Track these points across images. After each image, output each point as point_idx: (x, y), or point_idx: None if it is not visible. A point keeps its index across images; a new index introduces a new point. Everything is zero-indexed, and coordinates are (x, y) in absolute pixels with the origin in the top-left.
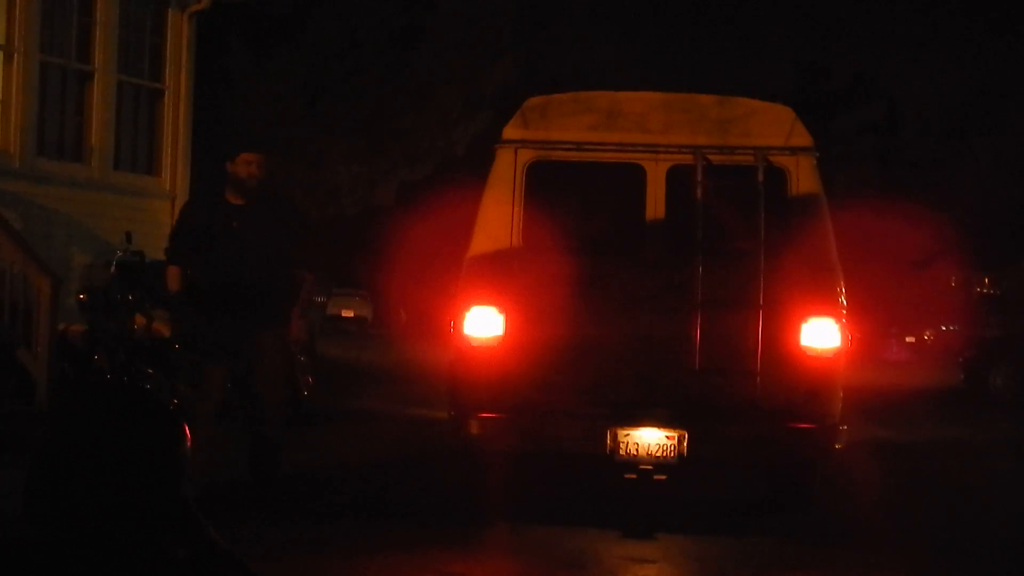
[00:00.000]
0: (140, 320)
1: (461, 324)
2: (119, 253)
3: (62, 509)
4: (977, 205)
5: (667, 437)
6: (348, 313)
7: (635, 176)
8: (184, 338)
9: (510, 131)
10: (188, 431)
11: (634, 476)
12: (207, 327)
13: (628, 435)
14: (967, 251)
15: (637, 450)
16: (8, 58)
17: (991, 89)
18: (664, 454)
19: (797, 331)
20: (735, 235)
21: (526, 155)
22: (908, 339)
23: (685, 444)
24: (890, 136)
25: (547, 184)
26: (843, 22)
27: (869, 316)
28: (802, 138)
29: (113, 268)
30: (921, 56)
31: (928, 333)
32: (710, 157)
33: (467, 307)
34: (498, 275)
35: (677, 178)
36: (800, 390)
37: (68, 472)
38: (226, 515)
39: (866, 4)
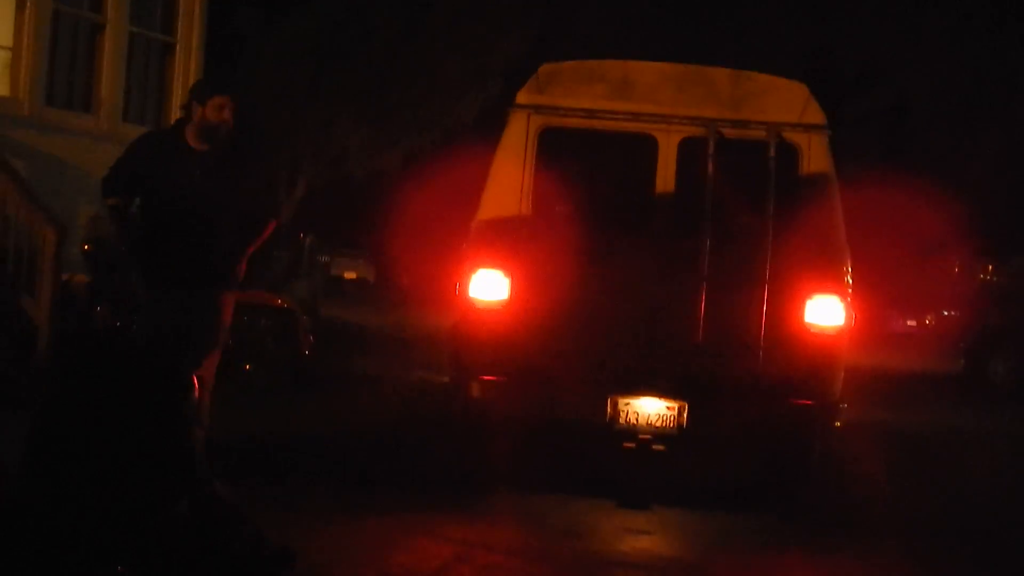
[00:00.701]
0: None
1: (467, 286)
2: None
3: (65, 461)
4: (984, 192)
5: (667, 407)
6: (351, 275)
7: (646, 146)
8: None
9: (524, 96)
10: (197, 384)
11: (633, 445)
12: (153, 286)
13: (628, 404)
14: (972, 238)
15: (637, 419)
16: (20, 6)
17: (1001, 77)
18: (664, 424)
19: (801, 307)
20: (744, 210)
21: (538, 120)
22: (909, 322)
23: (685, 415)
24: (898, 122)
25: (558, 151)
26: (853, 7)
27: (872, 296)
28: (816, 115)
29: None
30: (931, 42)
31: (929, 317)
32: (722, 131)
33: (473, 269)
34: (506, 239)
35: (688, 150)
36: (802, 366)
37: (72, 424)
38: (223, 475)
39: None
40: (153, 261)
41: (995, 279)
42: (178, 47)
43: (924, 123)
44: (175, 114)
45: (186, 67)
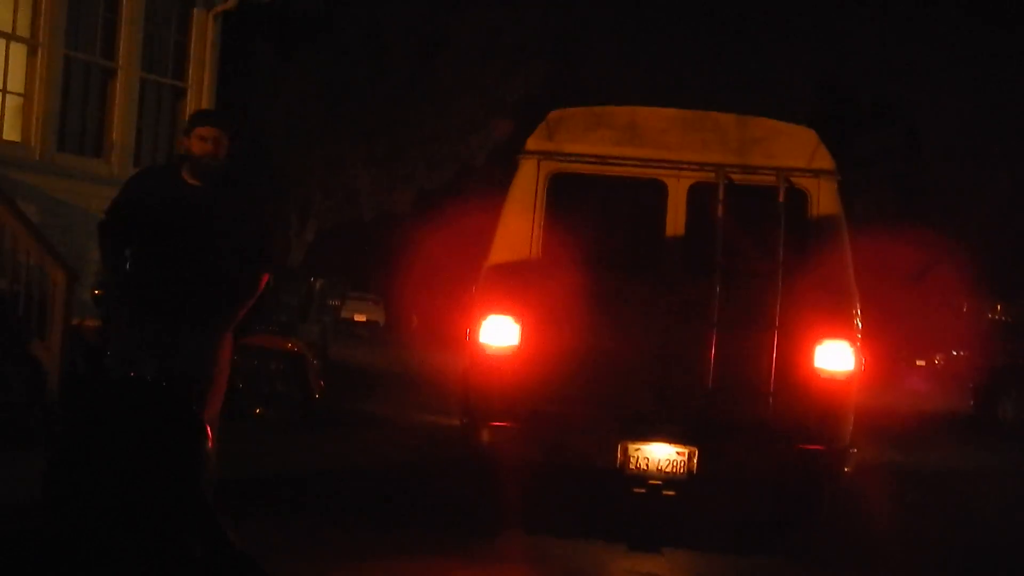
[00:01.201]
0: None
1: (477, 332)
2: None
3: (80, 506)
4: (994, 231)
5: (678, 453)
6: (361, 317)
7: (656, 192)
8: (116, 341)
9: (533, 142)
10: (208, 429)
11: (643, 490)
12: (141, 327)
13: (639, 449)
14: (981, 277)
15: (647, 465)
16: (32, 51)
17: (1012, 114)
18: (674, 470)
19: (811, 353)
20: (753, 255)
21: (548, 166)
22: (919, 362)
23: (695, 461)
24: (909, 161)
25: (568, 196)
26: (864, 45)
27: (882, 337)
28: (825, 161)
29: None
30: (942, 81)
31: (939, 357)
32: (732, 176)
33: (484, 315)
34: (516, 285)
35: (698, 196)
36: (812, 411)
37: (87, 469)
38: (232, 515)
39: (887, 27)
40: (146, 299)
41: (1004, 318)
42: (190, 92)
43: (935, 161)
44: None
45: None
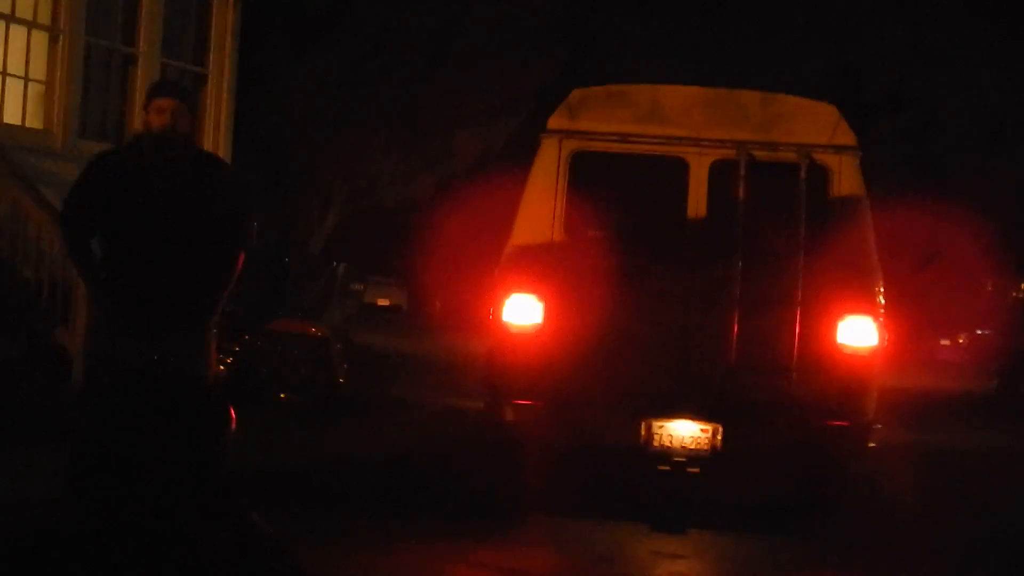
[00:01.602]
0: None
1: (500, 311)
2: None
3: (105, 493)
4: (1016, 211)
5: (701, 430)
6: (384, 302)
7: (678, 170)
8: (94, 336)
9: (555, 121)
10: (233, 413)
11: (667, 468)
12: (123, 318)
13: (662, 427)
14: (1006, 256)
15: (671, 442)
16: (54, 39)
17: None
18: (698, 447)
19: (834, 329)
20: (775, 232)
21: (570, 145)
22: (943, 341)
23: (719, 438)
24: (928, 143)
25: (590, 175)
26: (882, 29)
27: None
28: (846, 137)
29: None
30: (961, 63)
31: (963, 336)
32: (753, 153)
33: (507, 294)
34: (539, 264)
35: (719, 173)
36: (835, 388)
37: (111, 456)
38: (258, 503)
39: (905, 12)
40: (125, 290)
41: None
42: (210, 78)
43: (954, 142)
44: (208, 144)
45: (218, 98)
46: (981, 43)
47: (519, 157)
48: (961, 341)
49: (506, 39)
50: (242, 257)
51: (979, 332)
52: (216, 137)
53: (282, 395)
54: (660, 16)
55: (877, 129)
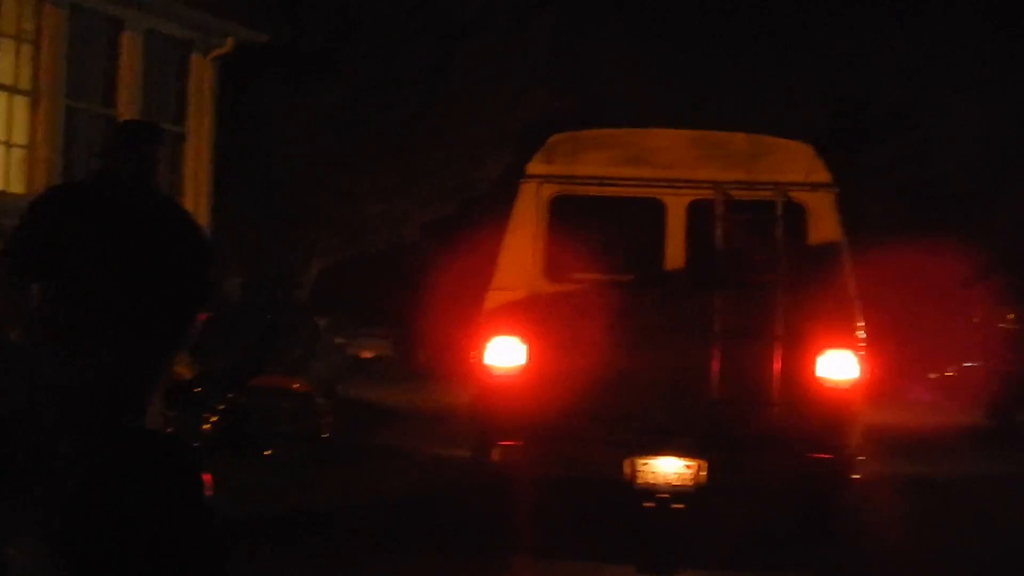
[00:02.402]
0: None
1: (483, 354)
2: None
3: (93, 551)
4: (1008, 240)
5: (686, 466)
6: (368, 354)
7: (655, 211)
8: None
9: (534, 166)
10: (209, 481)
11: (652, 504)
12: (73, 368)
13: (646, 463)
14: (993, 286)
15: (655, 478)
16: (34, 103)
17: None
18: (682, 483)
19: (814, 363)
20: (754, 268)
21: (549, 189)
22: (931, 375)
23: (704, 473)
24: (924, 170)
25: (569, 218)
26: (877, 54)
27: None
28: (821, 174)
29: None
30: (957, 89)
31: (951, 369)
32: (730, 192)
33: (489, 337)
34: (520, 306)
35: (697, 213)
36: (818, 421)
37: (97, 515)
38: (245, 551)
39: (900, 35)
40: (76, 338)
41: (1017, 327)
42: (189, 137)
43: (947, 169)
44: (189, 201)
45: (197, 156)
46: (978, 62)
47: (508, 197)
48: (950, 374)
49: (495, 78)
50: (200, 315)
51: (968, 364)
52: (196, 194)
53: (267, 452)
54: (652, 48)
55: (873, 156)
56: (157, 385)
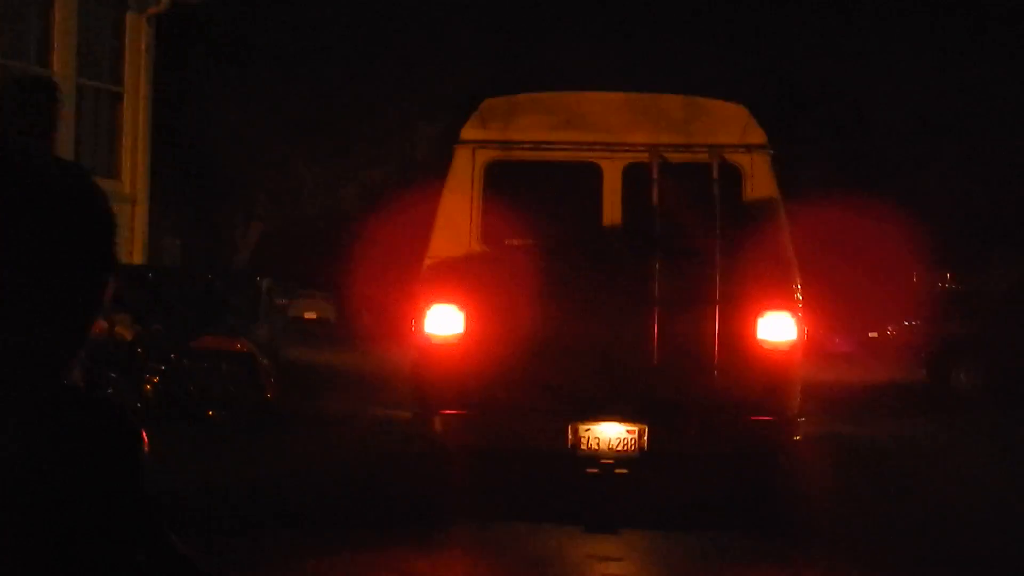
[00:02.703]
0: (102, 324)
1: (422, 322)
2: None
3: (23, 515)
4: (943, 204)
5: (628, 431)
6: (311, 315)
7: (592, 175)
8: None
9: (468, 131)
10: (145, 435)
11: (596, 470)
12: None
13: (589, 430)
14: (932, 248)
15: (598, 444)
16: None
17: (959, 91)
18: (625, 448)
19: (753, 325)
20: (692, 231)
21: (484, 155)
22: (871, 334)
23: (645, 438)
24: (857, 136)
25: (505, 183)
26: (806, 24)
27: (833, 313)
28: (757, 136)
29: None
30: (888, 59)
31: (890, 328)
32: (667, 155)
33: (428, 305)
34: (458, 273)
35: (633, 176)
36: (758, 383)
37: (23, 480)
38: (186, 521)
39: (833, 9)
40: None
41: (954, 286)
42: (126, 96)
43: (879, 137)
44: (127, 163)
45: (135, 116)
46: (908, 37)
47: (440, 165)
48: (890, 333)
49: (428, 45)
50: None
51: (907, 323)
52: (134, 155)
53: (210, 412)
54: (587, 18)
55: (802, 124)
56: (73, 354)
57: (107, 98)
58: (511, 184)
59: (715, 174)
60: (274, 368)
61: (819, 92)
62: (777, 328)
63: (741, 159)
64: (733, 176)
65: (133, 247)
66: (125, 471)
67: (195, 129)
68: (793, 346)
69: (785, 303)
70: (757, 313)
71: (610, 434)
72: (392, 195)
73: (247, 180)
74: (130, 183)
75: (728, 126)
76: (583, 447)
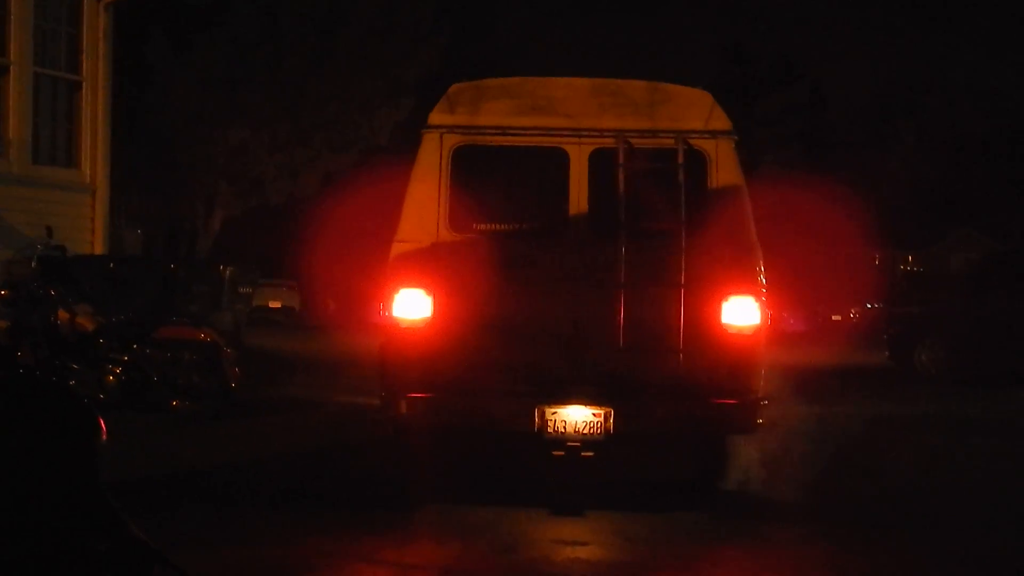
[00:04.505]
0: (63, 314)
1: (390, 307)
2: (40, 247)
3: None
4: (901, 185)
5: (594, 414)
6: (275, 303)
7: (559, 160)
8: None
9: (435, 116)
10: (103, 423)
11: (562, 453)
12: None
13: (556, 413)
14: (891, 230)
15: (565, 427)
16: None
17: (916, 73)
18: (591, 431)
19: (718, 309)
20: (657, 216)
21: (452, 140)
22: (834, 317)
23: (611, 421)
24: (815, 118)
25: (473, 168)
26: (767, 7)
27: (797, 296)
28: (721, 122)
29: (35, 263)
30: (846, 41)
31: (854, 310)
32: (632, 141)
33: (395, 290)
34: (425, 258)
35: (600, 161)
36: (722, 366)
37: None
38: (154, 508)
39: None
40: None
41: (915, 268)
42: (85, 84)
43: (840, 117)
44: (85, 152)
45: (94, 104)
46: (865, 13)
47: (405, 147)
48: (853, 315)
49: (388, 29)
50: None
51: (870, 305)
52: (93, 143)
53: (174, 402)
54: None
55: (765, 105)
56: None
57: (65, 87)
58: (479, 169)
59: (680, 159)
60: (238, 357)
61: (775, 74)
62: (741, 312)
63: (706, 145)
64: (698, 161)
65: (93, 237)
66: (80, 456)
67: (155, 117)
68: (756, 330)
69: (749, 288)
70: (721, 297)
71: (576, 417)
72: (355, 182)
73: (208, 168)
74: (90, 172)
75: (693, 112)
76: (550, 430)
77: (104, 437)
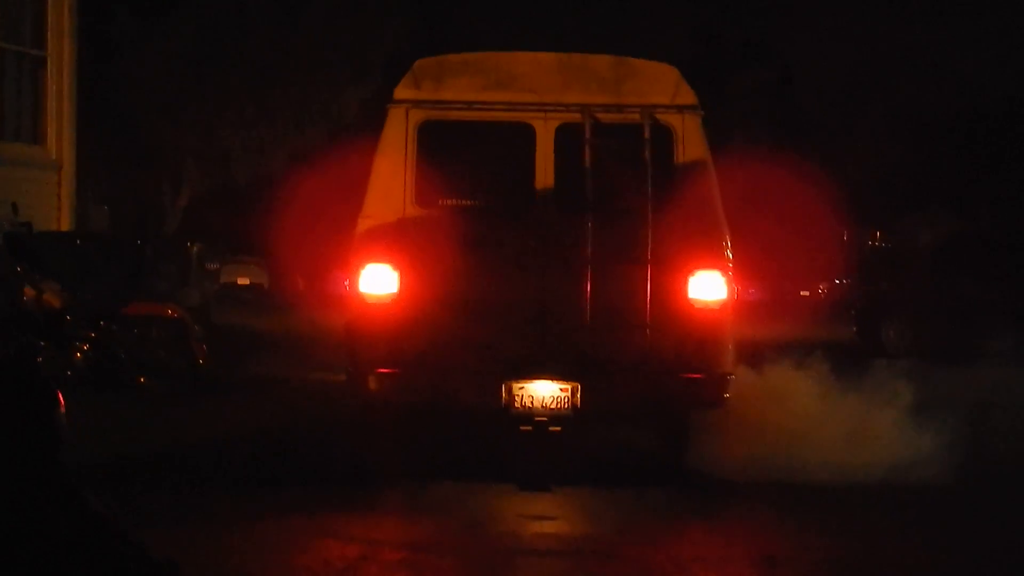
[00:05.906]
0: (30, 292)
1: (356, 282)
2: (6, 225)
3: None
4: (870, 163)
5: (561, 389)
6: (244, 280)
7: (524, 135)
8: None
9: (401, 91)
10: (62, 398)
11: (529, 428)
12: None
13: (523, 388)
14: (859, 207)
15: (532, 403)
16: None
17: (884, 51)
18: (558, 406)
19: (684, 284)
20: (623, 192)
21: (417, 115)
22: (803, 293)
23: (579, 396)
24: (784, 97)
25: (439, 143)
26: None
27: (766, 272)
28: (687, 96)
29: (0, 240)
30: (815, 19)
31: (822, 286)
32: (598, 116)
33: (362, 265)
34: (392, 233)
35: (566, 136)
36: (689, 341)
37: None
38: (120, 487)
39: None
40: None
41: (883, 245)
42: (50, 60)
43: (809, 95)
44: (51, 128)
45: (60, 80)
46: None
47: (373, 125)
48: (821, 291)
49: (355, 5)
50: None
51: (838, 281)
52: (59, 120)
53: (141, 379)
54: None
55: (734, 83)
56: None
57: (30, 62)
58: (444, 144)
59: (646, 134)
60: (206, 333)
61: (745, 53)
62: (707, 287)
63: (672, 120)
64: (665, 137)
65: (60, 214)
66: (38, 431)
67: (121, 94)
68: (723, 305)
69: (715, 262)
70: (688, 272)
71: (543, 392)
72: (321, 159)
73: (175, 145)
74: (56, 149)
75: (659, 87)
76: (517, 405)
77: (63, 411)
